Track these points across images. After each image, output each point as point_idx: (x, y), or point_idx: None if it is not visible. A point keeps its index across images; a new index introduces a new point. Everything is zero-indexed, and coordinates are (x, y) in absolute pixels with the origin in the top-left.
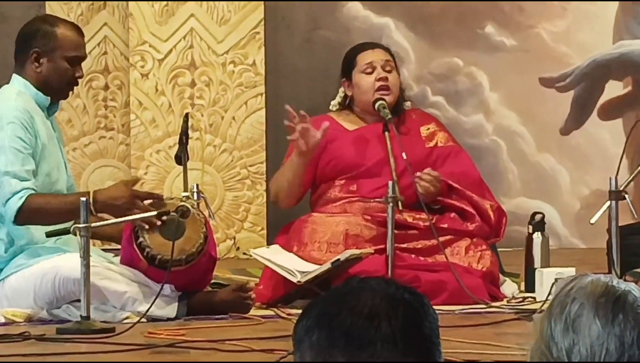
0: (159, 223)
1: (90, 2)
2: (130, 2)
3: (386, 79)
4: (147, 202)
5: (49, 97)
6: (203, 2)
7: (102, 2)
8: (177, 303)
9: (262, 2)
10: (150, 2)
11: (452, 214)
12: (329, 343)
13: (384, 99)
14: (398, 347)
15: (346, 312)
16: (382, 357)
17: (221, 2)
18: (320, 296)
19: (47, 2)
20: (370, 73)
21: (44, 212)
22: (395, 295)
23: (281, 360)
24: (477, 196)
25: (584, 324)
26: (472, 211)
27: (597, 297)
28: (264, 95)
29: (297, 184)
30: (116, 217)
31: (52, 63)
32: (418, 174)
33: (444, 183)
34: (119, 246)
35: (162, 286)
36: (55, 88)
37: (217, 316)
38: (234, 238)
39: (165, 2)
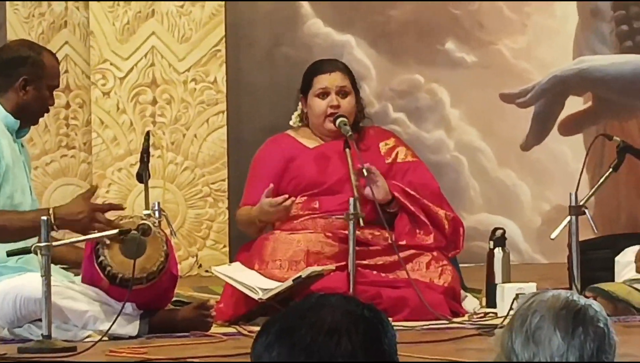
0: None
1: (52, 21)
2: (91, 21)
3: (338, 106)
4: (108, 214)
5: (18, 121)
6: (164, 20)
7: (63, 20)
8: (138, 322)
9: (223, 19)
10: (112, 21)
11: (407, 228)
12: (290, 359)
13: (345, 116)
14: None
15: (306, 328)
16: None
17: (182, 19)
18: (279, 313)
19: (8, 21)
20: (324, 98)
21: (1, 229)
22: (355, 312)
23: None
24: (434, 206)
25: (544, 336)
26: (424, 219)
27: (558, 310)
28: (225, 112)
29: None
30: (78, 232)
31: (37, 91)
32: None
33: (400, 188)
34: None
35: (124, 304)
36: (32, 114)
37: (178, 334)
38: (196, 256)
39: (126, 20)
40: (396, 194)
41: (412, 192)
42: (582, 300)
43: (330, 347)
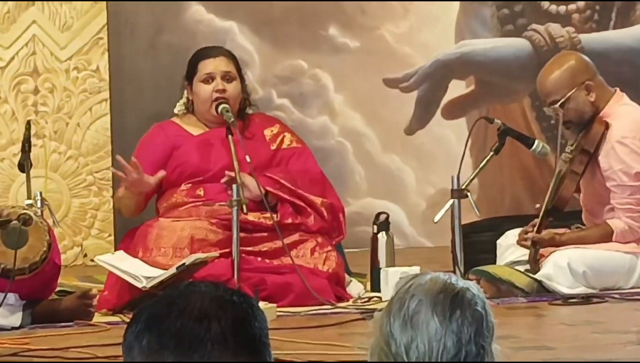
0: None
1: None
2: None
3: (224, 91)
4: None
5: None
6: (45, 8)
7: None
8: (21, 313)
9: (105, 7)
10: None
11: (290, 210)
12: (160, 346)
13: (226, 102)
14: (229, 347)
15: (176, 314)
16: (214, 357)
17: (63, 7)
18: (148, 302)
19: None
20: (209, 83)
21: None
22: (224, 297)
23: None
24: (317, 193)
25: (422, 320)
26: (302, 204)
27: (435, 294)
28: (108, 101)
29: (139, 204)
30: None
31: None
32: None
33: (271, 180)
34: None
35: (5, 295)
36: None
37: (62, 324)
38: (81, 245)
39: (6, 9)
40: (269, 189)
41: (286, 183)
42: (460, 283)
43: (200, 332)
